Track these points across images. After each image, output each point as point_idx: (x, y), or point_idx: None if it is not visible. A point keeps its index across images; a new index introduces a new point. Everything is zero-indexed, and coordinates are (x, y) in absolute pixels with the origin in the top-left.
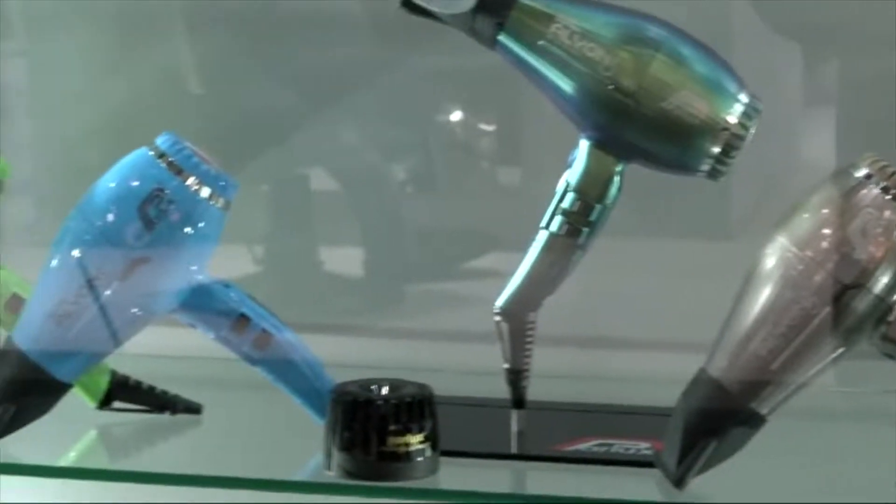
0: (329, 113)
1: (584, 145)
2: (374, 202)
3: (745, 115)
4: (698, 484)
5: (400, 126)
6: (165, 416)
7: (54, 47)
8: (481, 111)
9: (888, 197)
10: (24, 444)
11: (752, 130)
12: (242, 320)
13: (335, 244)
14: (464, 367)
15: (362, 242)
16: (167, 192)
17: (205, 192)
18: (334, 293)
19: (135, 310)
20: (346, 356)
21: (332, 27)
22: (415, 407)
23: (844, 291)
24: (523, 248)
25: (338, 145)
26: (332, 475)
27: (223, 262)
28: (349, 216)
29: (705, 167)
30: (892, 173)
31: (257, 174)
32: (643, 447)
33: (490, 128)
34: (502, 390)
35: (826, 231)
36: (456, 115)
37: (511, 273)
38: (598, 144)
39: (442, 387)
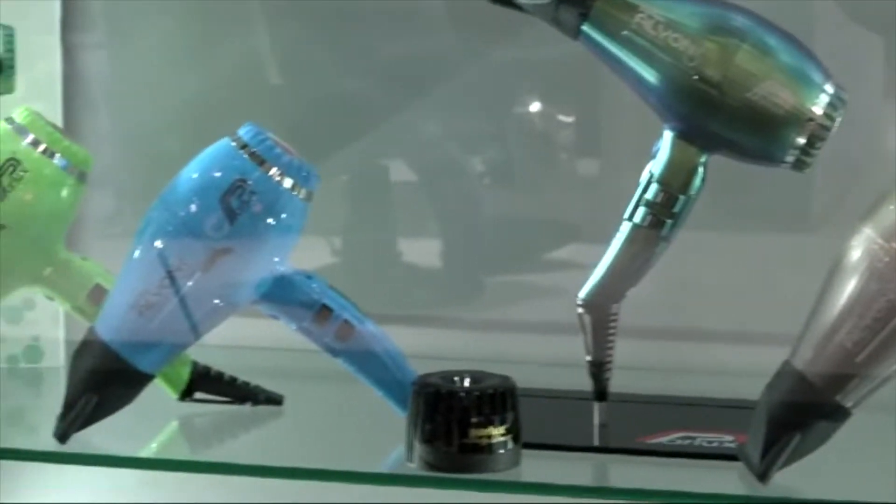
0: (408, 104)
1: (667, 136)
2: (453, 193)
3: (831, 105)
4: (782, 477)
5: (479, 117)
6: (247, 408)
7: (134, 39)
8: (560, 102)
9: None
10: (106, 434)
11: (838, 121)
12: (324, 311)
13: (414, 235)
14: (544, 359)
15: (441, 234)
16: (250, 183)
17: (287, 182)
18: (413, 284)
19: (217, 301)
20: (424, 347)
21: (413, 17)
22: (497, 399)
23: None
24: (602, 239)
25: (417, 136)
26: (413, 467)
27: (301, 253)
28: (428, 207)
29: (790, 158)
30: None
31: (336, 165)
32: (726, 440)
33: (569, 119)
34: (584, 382)
35: None
36: (535, 106)
37: (590, 264)
38: (682, 135)
39: (522, 378)
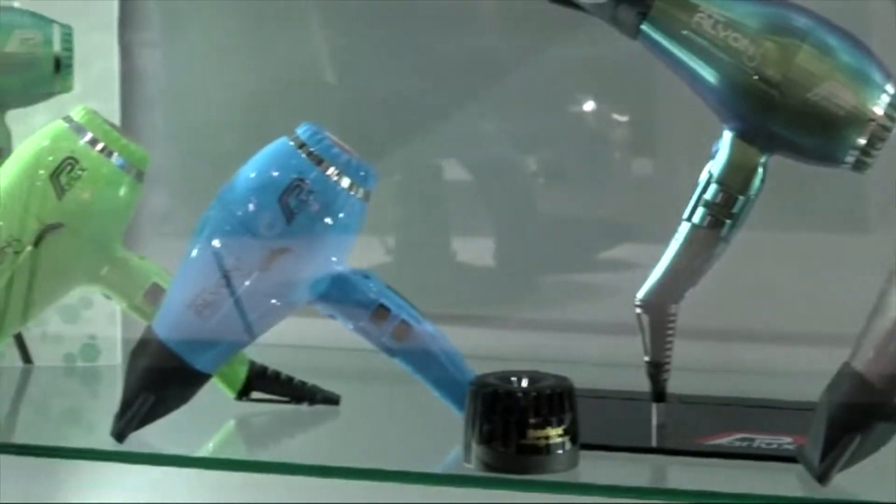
0: (463, 103)
1: (727, 136)
2: (507, 192)
3: (892, 105)
4: (842, 479)
5: (533, 116)
6: (303, 407)
7: (190, 37)
8: (614, 101)
9: None
10: (163, 434)
11: None
12: (381, 311)
13: (468, 234)
14: (600, 359)
15: (495, 233)
16: (307, 182)
17: (345, 182)
18: (466, 284)
19: (274, 300)
20: (477, 347)
21: (468, 17)
22: (555, 399)
23: None
24: (656, 239)
25: (471, 135)
26: (470, 468)
27: (355, 252)
28: (482, 207)
29: (850, 159)
30: None
31: (390, 164)
32: (786, 442)
33: (623, 118)
34: (641, 383)
35: None
36: (589, 105)
37: (643, 264)
38: (742, 135)
39: (578, 379)
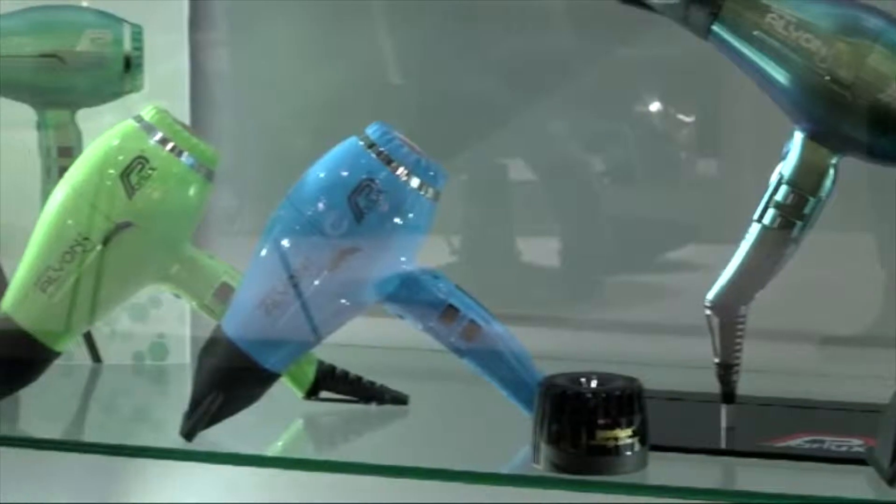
0: (529, 103)
1: (798, 137)
2: (572, 192)
3: None
4: None
5: (599, 116)
6: (372, 407)
7: (259, 37)
8: (680, 101)
9: None
10: (232, 433)
11: None
12: (451, 311)
13: (533, 234)
14: (666, 360)
15: (560, 233)
16: (377, 182)
17: (414, 182)
18: (532, 284)
19: (343, 300)
20: (544, 347)
21: (536, 16)
22: (624, 400)
23: None
24: (722, 240)
25: (538, 135)
26: (539, 468)
27: (420, 252)
28: (548, 206)
29: None
30: None
31: (456, 164)
32: (855, 444)
33: (689, 118)
34: (708, 384)
35: None
36: (656, 105)
37: (709, 264)
38: (813, 136)
39: (646, 379)
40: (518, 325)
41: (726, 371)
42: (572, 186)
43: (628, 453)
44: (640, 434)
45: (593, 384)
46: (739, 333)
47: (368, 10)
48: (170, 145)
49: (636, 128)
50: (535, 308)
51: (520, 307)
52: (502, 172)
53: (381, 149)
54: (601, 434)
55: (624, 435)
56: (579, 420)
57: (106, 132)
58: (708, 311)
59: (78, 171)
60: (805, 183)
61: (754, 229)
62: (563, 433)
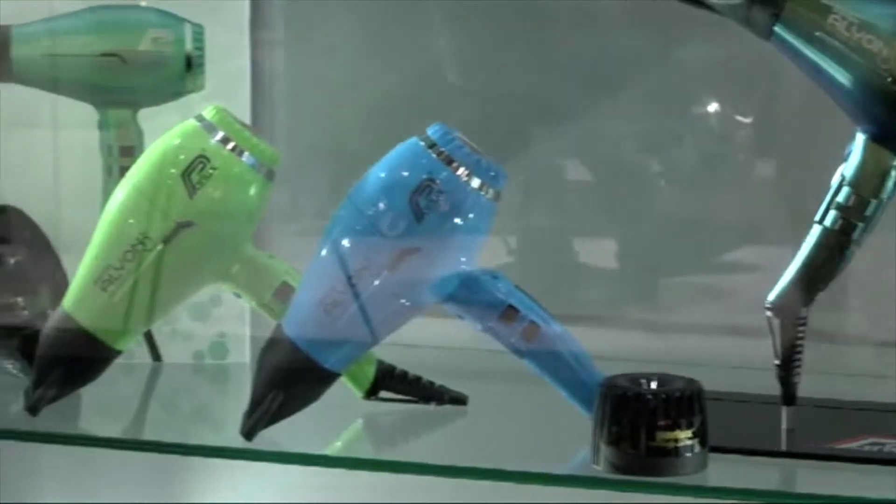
0: (586, 103)
1: (860, 139)
2: (630, 193)
3: None
4: None
5: (656, 117)
6: (431, 407)
7: (319, 37)
8: (737, 102)
9: None
10: (292, 432)
11: None
12: (510, 311)
13: (590, 235)
14: (725, 361)
15: (618, 234)
16: (438, 182)
17: (475, 182)
18: (588, 284)
19: (402, 300)
20: (601, 348)
21: (595, 17)
22: (684, 402)
23: None
24: (780, 241)
25: (595, 136)
26: (599, 469)
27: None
28: (605, 207)
29: None
30: None
31: (514, 164)
32: None
33: (746, 119)
34: (769, 386)
35: None
36: (713, 106)
37: (767, 266)
38: (875, 138)
39: (704, 381)
40: (576, 325)
41: (787, 372)
42: (630, 187)
43: (688, 455)
44: (700, 435)
45: (653, 385)
46: (800, 335)
47: (427, 10)
48: (231, 145)
49: (693, 129)
50: (593, 308)
51: (577, 308)
52: (560, 173)
53: (442, 149)
54: (661, 435)
55: (684, 436)
56: (639, 421)
57: (167, 131)
58: (769, 313)
59: (139, 171)
60: (867, 185)
61: (815, 231)
62: (623, 434)
